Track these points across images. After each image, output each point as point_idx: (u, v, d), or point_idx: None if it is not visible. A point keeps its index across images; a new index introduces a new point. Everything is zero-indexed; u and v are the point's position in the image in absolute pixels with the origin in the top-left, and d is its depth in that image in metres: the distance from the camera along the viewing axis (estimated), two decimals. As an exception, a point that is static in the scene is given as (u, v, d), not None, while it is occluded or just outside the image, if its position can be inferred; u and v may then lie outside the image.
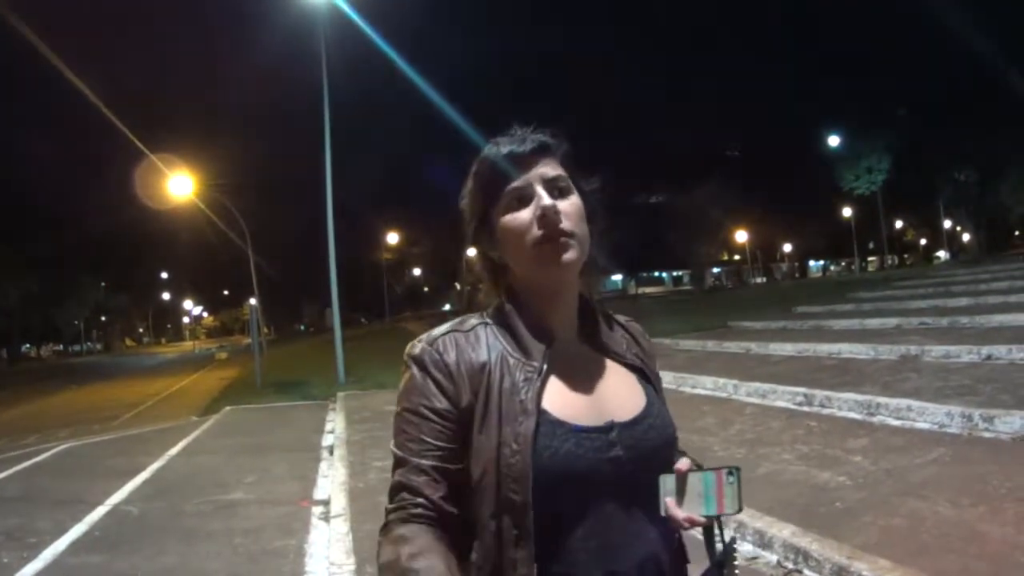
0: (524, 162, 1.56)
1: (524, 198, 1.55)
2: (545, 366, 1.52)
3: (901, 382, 9.82)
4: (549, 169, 1.57)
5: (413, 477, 1.44)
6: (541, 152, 1.58)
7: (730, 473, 1.45)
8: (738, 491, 1.45)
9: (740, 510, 1.45)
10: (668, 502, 1.46)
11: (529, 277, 1.59)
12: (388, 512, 1.45)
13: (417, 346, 1.57)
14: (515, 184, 1.56)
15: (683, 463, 1.51)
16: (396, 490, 1.46)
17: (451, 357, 1.52)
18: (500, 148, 1.59)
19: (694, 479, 1.47)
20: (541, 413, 1.45)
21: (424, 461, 1.44)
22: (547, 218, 1.50)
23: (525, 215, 1.53)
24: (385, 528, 1.43)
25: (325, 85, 23.44)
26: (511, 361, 1.52)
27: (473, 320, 1.63)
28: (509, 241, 1.56)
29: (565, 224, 1.51)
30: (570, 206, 1.55)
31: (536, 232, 1.51)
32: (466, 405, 1.48)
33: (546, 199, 1.52)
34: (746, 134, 72.07)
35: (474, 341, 1.56)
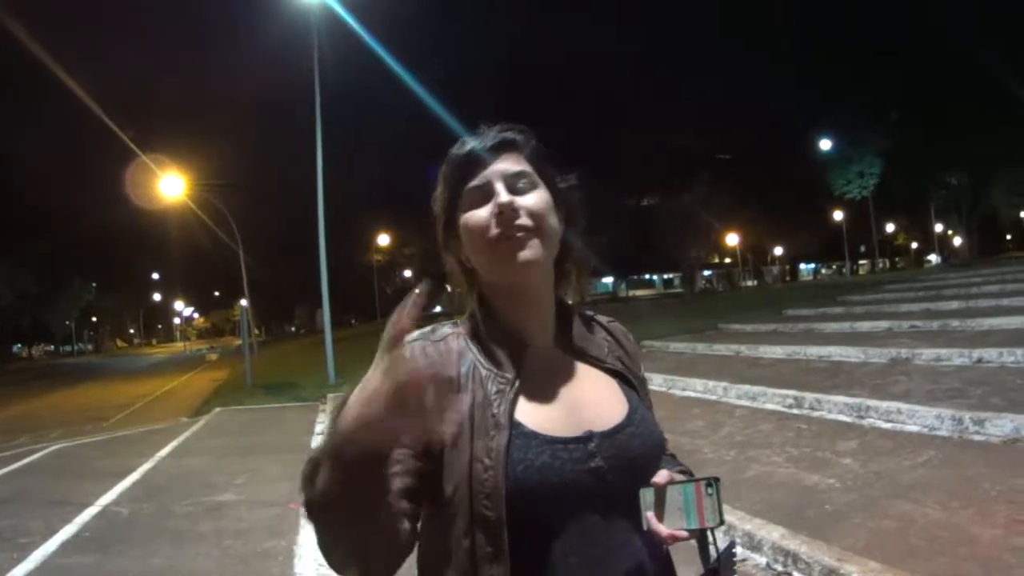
0: (486, 159, 1.53)
1: (484, 196, 1.51)
2: (518, 377, 1.48)
3: (891, 385, 9.84)
4: (511, 164, 1.53)
5: None
6: (504, 149, 1.55)
7: (709, 485, 1.41)
8: (718, 503, 1.40)
9: (721, 523, 1.39)
10: (649, 516, 1.42)
11: (493, 278, 1.55)
12: None
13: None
14: (474, 182, 1.52)
15: (661, 475, 1.46)
16: None
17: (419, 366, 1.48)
18: (463, 147, 1.56)
19: (673, 492, 1.43)
20: (515, 426, 1.41)
21: None
22: (504, 215, 1.47)
23: (484, 212, 1.49)
24: None
25: (317, 86, 23.43)
26: (483, 372, 1.48)
27: (445, 329, 1.58)
28: (470, 240, 1.52)
29: (524, 220, 1.47)
30: (533, 201, 1.50)
31: (494, 230, 1.48)
32: None
33: (503, 195, 1.48)
34: (737, 137, 72.04)
35: (444, 351, 1.51)
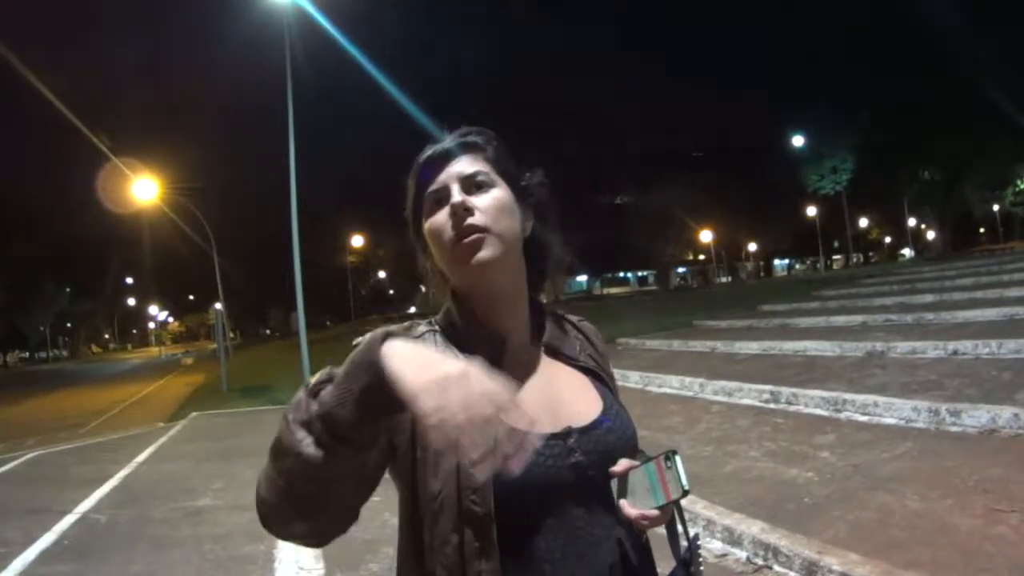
0: (444, 162, 1.53)
1: (441, 199, 1.51)
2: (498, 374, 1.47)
3: (867, 378, 9.88)
4: (467, 166, 1.53)
5: None
6: (464, 151, 1.55)
7: (667, 458, 1.42)
8: (678, 474, 1.41)
9: (686, 492, 1.41)
10: (622, 504, 1.44)
11: (456, 281, 1.55)
12: None
13: (363, 337, 1.45)
14: (432, 187, 1.52)
15: (621, 463, 1.47)
16: None
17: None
18: (425, 153, 1.56)
19: (638, 475, 1.44)
20: None
21: None
22: (457, 215, 1.46)
23: (442, 217, 1.49)
24: None
25: (289, 86, 23.31)
26: None
27: (422, 328, 1.57)
28: (433, 245, 1.53)
29: (478, 219, 1.47)
30: (488, 200, 1.50)
31: (449, 232, 1.48)
32: None
33: (456, 196, 1.49)
34: (711, 134, 72.20)
35: None
